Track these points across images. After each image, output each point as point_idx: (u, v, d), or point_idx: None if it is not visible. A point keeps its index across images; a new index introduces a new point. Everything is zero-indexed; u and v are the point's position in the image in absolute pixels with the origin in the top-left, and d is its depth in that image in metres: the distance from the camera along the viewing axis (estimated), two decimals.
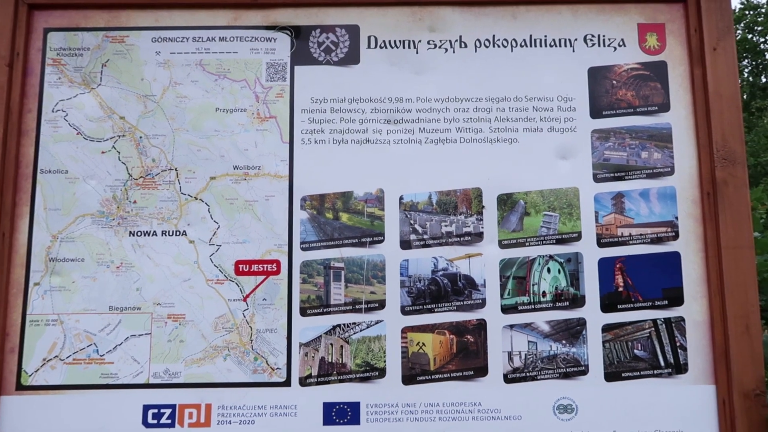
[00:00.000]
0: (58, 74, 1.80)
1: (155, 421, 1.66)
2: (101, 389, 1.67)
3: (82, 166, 1.76)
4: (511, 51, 1.86)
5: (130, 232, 1.74)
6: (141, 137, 1.78)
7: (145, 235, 1.74)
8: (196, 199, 1.76)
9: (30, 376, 1.67)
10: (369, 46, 1.85)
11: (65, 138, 1.77)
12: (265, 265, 1.73)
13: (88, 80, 1.80)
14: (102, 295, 1.71)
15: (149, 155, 1.77)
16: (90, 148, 1.77)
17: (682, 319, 1.74)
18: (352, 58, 1.84)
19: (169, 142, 1.78)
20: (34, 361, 1.67)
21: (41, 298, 1.70)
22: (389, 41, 1.85)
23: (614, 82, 1.85)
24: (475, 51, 1.86)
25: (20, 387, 1.66)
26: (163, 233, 1.74)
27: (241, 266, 1.73)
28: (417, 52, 1.85)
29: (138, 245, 1.73)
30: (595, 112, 1.83)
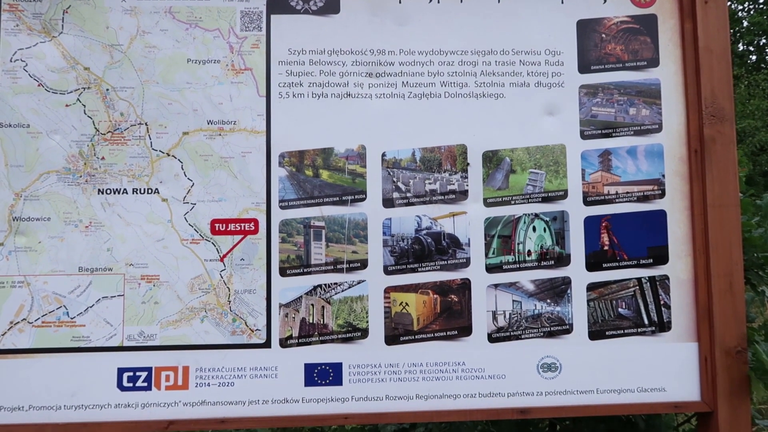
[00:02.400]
0: (16, 21, 1.68)
1: (131, 385, 1.61)
2: (73, 353, 1.61)
3: (45, 120, 1.66)
4: (498, 2, 1.78)
5: (99, 190, 1.65)
6: (108, 89, 1.68)
7: (114, 193, 1.66)
8: (169, 155, 1.67)
9: None
10: None
11: (25, 90, 1.66)
12: (242, 224, 1.67)
13: (49, 28, 1.68)
14: (71, 256, 1.63)
15: (117, 109, 1.68)
16: (53, 101, 1.66)
17: (667, 278, 1.73)
18: (331, 6, 1.75)
19: (138, 94, 1.68)
20: (1, 325, 1.60)
21: (5, 259, 1.61)
22: None
23: (603, 35, 1.79)
24: (461, 1, 1.78)
25: None
26: (134, 191, 1.66)
27: (217, 225, 1.66)
28: (400, 2, 1.76)
29: (108, 204, 1.65)
30: (584, 67, 1.78)
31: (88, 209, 1.65)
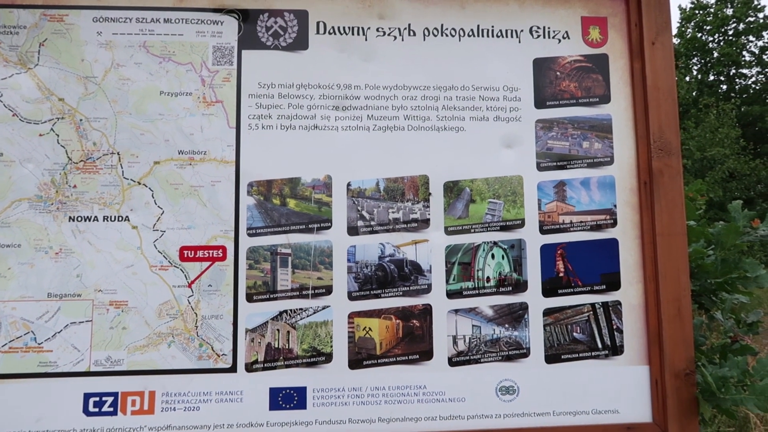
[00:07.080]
0: None
1: (97, 410, 1.63)
2: (39, 378, 1.63)
3: (18, 149, 1.70)
4: (459, 41, 1.88)
5: (70, 218, 1.69)
6: (81, 120, 1.73)
7: (85, 220, 1.70)
8: (140, 184, 1.73)
9: None
10: (318, 32, 1.84)
11: (0, 119, 1.71)
12: (210, 251, 1.72)
13: (25, 60, 1.74)
14: (40, 282, 1.66)
15: (90, 138, 1.73)
16: (27, 131, 1.71)
17: (619, 303, 1.81)
18: (300, 43, 1.83)
19: (111, 125, 1.74)
20: None
21: None
22: (338, 27, 1.85)
23: (558, 73, 1.90)
24: (424, 39, 1.87)
25: None
26: (105, 219, 1.70)
27: (186, 252, 1.71)
28: (366, 39, 1.86)
29: (78, 231, 1.69)
30: (540, 103, 1.88)
31: (58, 236, 1.68)
